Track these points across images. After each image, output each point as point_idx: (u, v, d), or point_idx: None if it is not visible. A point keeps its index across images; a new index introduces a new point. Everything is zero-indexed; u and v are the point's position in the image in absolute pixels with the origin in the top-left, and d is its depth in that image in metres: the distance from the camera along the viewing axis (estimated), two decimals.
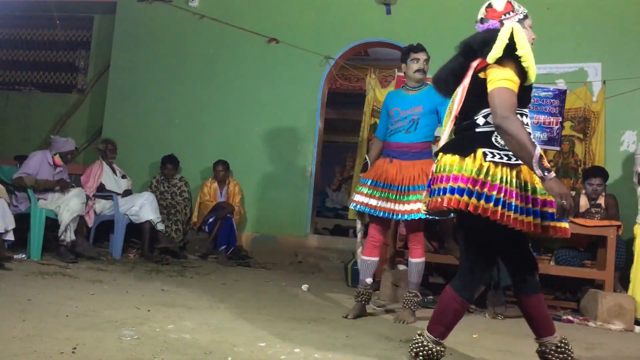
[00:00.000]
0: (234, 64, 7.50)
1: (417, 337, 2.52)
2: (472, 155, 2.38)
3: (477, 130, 2.47)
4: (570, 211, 2.24)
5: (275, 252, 6.90)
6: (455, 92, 2.61)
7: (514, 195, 2.34)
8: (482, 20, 2.67)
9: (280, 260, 6.72)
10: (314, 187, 7.22)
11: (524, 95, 2.46)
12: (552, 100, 5.54)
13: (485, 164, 2.36)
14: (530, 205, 2.39)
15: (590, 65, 6.56)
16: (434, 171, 2.52)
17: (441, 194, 2.40)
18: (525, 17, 2.60)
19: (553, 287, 5.44)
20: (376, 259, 4.04)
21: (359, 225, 4.25)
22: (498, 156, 2.38)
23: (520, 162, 2.35)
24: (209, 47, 7.60)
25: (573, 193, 5.46)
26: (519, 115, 2.39)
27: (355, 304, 4.00)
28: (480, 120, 2.47)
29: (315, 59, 7.18)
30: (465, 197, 2.33)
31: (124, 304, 3.59)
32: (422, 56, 3.99)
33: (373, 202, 3.89)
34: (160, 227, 6.18)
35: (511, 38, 2.36)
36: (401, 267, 5.23)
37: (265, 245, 7.02)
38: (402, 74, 5.74)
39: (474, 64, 2.52)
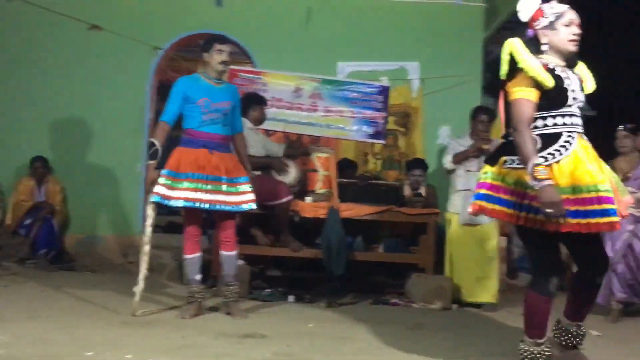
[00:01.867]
0: (51, 51, 6.91)
1: (520, 345, 2.70)
2: (497, 163, 2.63)
3: (509, 139, 2.67)
4: (558, 218, 2.40)
5: (104, 253, 6.51)
6: None
7: (527, 197, 2.50)
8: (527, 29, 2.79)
9: (109, 262, 6.35)
10: (144, 183, 6.91)
11: (556, 98, 2.60)
12: (376, 96, 5.82)
13: (504, 170, 2.59)
14: (569, 207, 2.47)
15: (409, 64, 7.05)
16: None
17: (473, 199, 2.68)
18: (558, 17, 2.66)
19: (382, 273, 5.77)
20: (200, 254, 3.98)
21: (150, 220, 3.92)
22: (516, 162, 2.57)
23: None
24: (21, 32, 6.91)
25: (398, 184, 5.82)
26: (552, 117, 2.59)
27: (191, 304, 3.88)
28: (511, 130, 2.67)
29: (142, 49, 6.85)
30: (482, 202, 2.60)
31: None
32: (226, 48, 3.93)
33: (202, 196, 3.74)
34: None
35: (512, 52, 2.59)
36: None
37: (92, 247, 6.58)
38: (234, 67, 5.73)
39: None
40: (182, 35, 7.04)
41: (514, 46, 2.63)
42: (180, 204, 3.77)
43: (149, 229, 3.92)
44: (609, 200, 2.47)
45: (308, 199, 5.17)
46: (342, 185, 5.31)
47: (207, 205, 3.76)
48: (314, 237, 5.32)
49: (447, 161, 5.16)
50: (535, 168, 2.43)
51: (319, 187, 5.24)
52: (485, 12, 7.27)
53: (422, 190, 5.58)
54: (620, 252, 4.44)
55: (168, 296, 4.65)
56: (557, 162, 2.54)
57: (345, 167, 5.88)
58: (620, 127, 4.91)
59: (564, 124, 2.63)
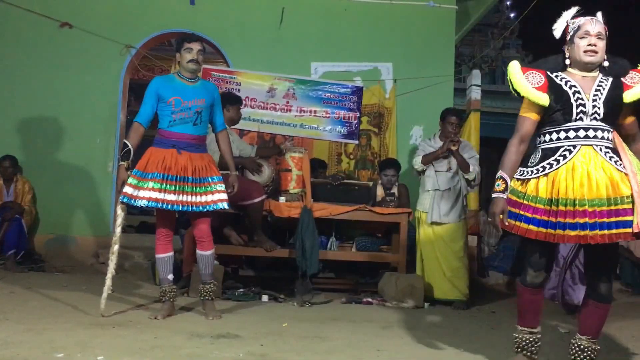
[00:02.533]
0: (21, 49, 6.79)
1: (514, 334, 2.83)
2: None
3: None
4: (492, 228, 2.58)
5: (74, 254, 6.42)
6: None
7: (526, 208, 2.68)
8: None
9: (80, 262, 6.26)
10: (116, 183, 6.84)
11: (560, 113, 2.73)
12: (350, 97, 5.86)
13: (512, 182, 2.76)
14: (542, 217, 2.66)
15: (383, 65, 7.11)
16: None
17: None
18: (576, 30, 2.78)
19: (355, 272, 5.81)
20: (172, 253, 3.96)
21: (119, 220, 3.85)
22: (518, 173, 2.77)
23: (530, 176, 2.73)
24: None
25: (370, 184, 5.87)
26: (557, 132, 2.74)
27: (163, 304, 3.86)
28: None
29: (114, 48, 6.78)
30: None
31: None
32: (195, 46, 3.89)
33: (168, 196, 3.71)
34: None
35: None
36: None
37: (62, 248, 6.48)
38: (207, 66, 5.71)
39: None
40: (155, 33, 6.99)
41: (509, 70, 2.83)
42: (143, 203, 3.73)
43: (118, 229, 3.87)
44: (582, 215, 2.59)
45: (281, 199, 5.18)
46: (315, 185, 5.33)
47: (171, 206, 3.73)
48: (288, 236, 5.34)
49: (417, 162, 5.25)
50: (496, 180, 2.72)
51: (293, 187, 5.25)
52: (457, 14, 7.37)
53: (395, 190, 5.63)
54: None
55: (140, 296, 4.61)
56: (546, 174, 2.69)
57: (316, 166, 5.90)
58: None
59: (567, 137, 2.73)
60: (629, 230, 2.56)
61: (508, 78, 2.85)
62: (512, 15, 12.80)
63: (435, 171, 5.20)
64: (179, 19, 6.97)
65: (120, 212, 3.86)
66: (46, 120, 6.75)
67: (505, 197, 2.72)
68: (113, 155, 6.81)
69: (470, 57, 12.44)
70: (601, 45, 2.77)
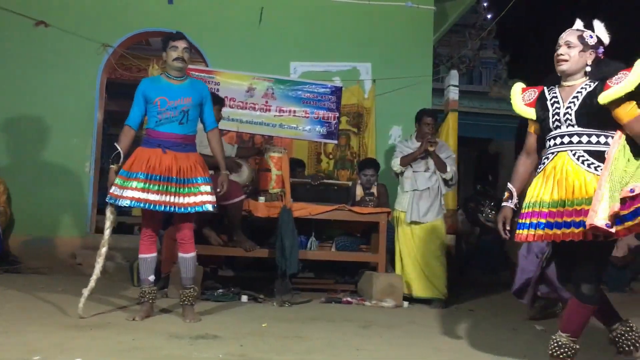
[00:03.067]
0: None
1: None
2: None
3: None
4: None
5: (51, 255, 6.33)
6: None
7: (522, 215, 2.86)
8: None
9: (57, 263, 6.18)
10: (94, 183, 6.77)
11: (545, 125, 2.92)
12: (329, 97, 5.86)
13: None
14: (523, 220, 2.83)
15: (361, 65, 7.14)
16: None
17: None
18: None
19: (334, 272, 5.82)
20: (155, 254, 3.91)
21: (108, 222, 3.86)
22: None
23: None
24: None
25: (350, 183, 5.89)
26: (548, 141, 2.91)
27: (142, 305, 3.83)
28: None
29: (91, 47, 6.70)
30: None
31: None
32: (180, 44, 3.87)
33: (151, 196, 3.67)
34: None
35: None
36: None
37: (39, 249, 6.38)
38: (189, 66, 5.66)
39: None
40: (132, 32, 6.94)
41: (511, 92, 3.17)
42: (127, 203, 3.71)
43: (107, 231, 3.85)
44: (524, 216, 2.84)
45: (261, 199, 5.18)
46: (294, 185, 5.34)
47: (154, 206, 3.69)
48: (267, 236, 5.33)
49: (395, 164, 5.32)
50: (505, 191, 3.02)
51: (272, 187, 5.25)
52: (435, 15, 7.43)
53: (374, 190, 5.66)
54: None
55: (118, 297, 4.57)
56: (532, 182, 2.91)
57: (294, 165, 5.90)
58: None
59: (550, 145, 2.90)
60: (578, 230, 2.65)
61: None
62: (489, 16, 12.93)
63: (413, 172, 5.26)
64: (156, 18, 6.92)
65: (109, 215, 3.85)
66: (22, 120, 6.65)
67: (510, 205, 2.98)
68: (90, 155, 6.75)
69: (448, 57, 12.54)
70: (572, 53, 2.86)
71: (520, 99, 3.07)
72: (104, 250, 3.84)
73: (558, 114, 2.86)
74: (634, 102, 2.75)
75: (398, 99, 6.89)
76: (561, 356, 2.77)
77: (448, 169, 5.22)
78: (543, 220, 2.75)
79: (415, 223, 5.20)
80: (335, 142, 6.15)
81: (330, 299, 5.02)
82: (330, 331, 3.67)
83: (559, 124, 2.86)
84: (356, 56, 7.12)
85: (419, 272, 5.18)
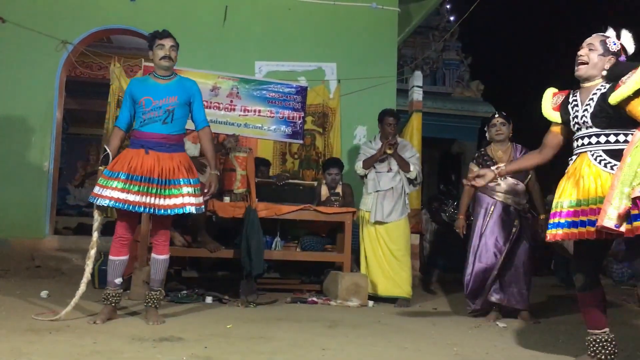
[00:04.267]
0: None
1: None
2: None
3: None
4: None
5: (8, 257, 6.15)
6: None
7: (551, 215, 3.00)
8: None
9: (14, 266, 6.00)
10: (52, 183, 6.61)
11: (568, 128, 3.08)
12: (294, 96, 5.85)
13: None
14: (558, 219, 2.95)
15: (327, 65, 7.16)
16: None
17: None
18: None
19: (300, 272, 5.81)
20: (126, 257, 3.81)
21: (96, 224, 3.80)
22: None
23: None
24: None
25: (315, 183, 5.89)
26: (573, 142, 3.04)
27: (104, 307, 3.75)
28: None
29: (50, 43, 6.55)
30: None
31: None
32: (168, 42, 3.82)
33: (131, 197, 3.60)
34: None
35: None
36: None
37: None
38: (149, 64, 5.58)
39: None
40: (93, 29, 6.80)
41: (543, 96, 3.24)
42: (105, 203, 3.62)
43: (95, 233, 3.79)
44: (552, 216, 2.98)
45: (226, 199, 5.13)
46: (260, 185, 5.31)
47: (133, 207, 3.61)
48: (232, 237, 5.29)
49: (358, 167, 5.37)
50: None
51: (237, 187, 5.22)
52: (399, 16, 7.49)
53: (339, 189, 5.67)
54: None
55: (80, 300, 4.46)
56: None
57: (259, 165, 5.87)
58: (497, 115, 4.81)
59: (574, 147, 3.03)
60: (592, 228, 2.75)
61: None
62: (452, 18, 13.12)
63: (377, 172, 5.30)
64: (118, 15, 6.81)
65: (96, 216, 3.78)
66: None
67: (492, 168, 3.33)
68: (49, 155, 6.59)
69: (412, 58, 12.67)
70: (592, 55, 2.95)
71: (550, 103, 3.20)
72: (92, 252, 3.78)
73: (577, 116, 3.00)
74: None
75: (363, 99, 6.93)
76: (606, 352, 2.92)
77: (412, 168, 5.27)
78: (563, 220, 2.90)
79: (380, 223, 5.23)
80: (301, 142, 6.14)
81: (296, 299, 5.01)
82: (296, 331, 3.66)
83: (579, 127, 2.99)
84: (321, 56, 7.13)
85: (383, 271, 5.22)
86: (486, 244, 4.59)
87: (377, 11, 7.20)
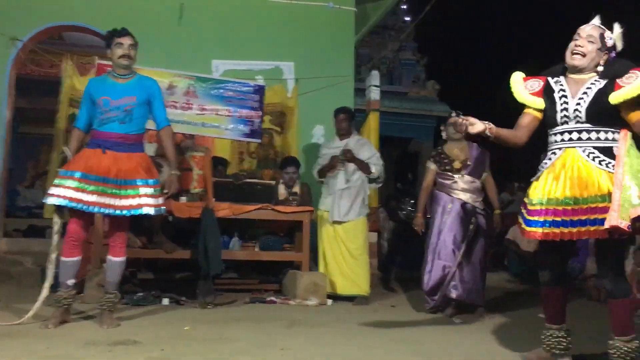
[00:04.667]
0: None
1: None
2: None
3: None
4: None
5: None
6: None
7: (532, 211, 2.88)
8: None
9: None
10: (1, 184, 6.41)
11: (549, 117, 2.94)
12: (252, 95, 5.81)
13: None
14: (532, 217, 2.86)
15: (284, 64, 7.14)
16: None
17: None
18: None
19: (258, 271, 5.78)
20: (78, 258, 3.71)
21: (56, 227, 3.73)
22: (535, 177, 2.97)
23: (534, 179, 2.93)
24: None
25: (273, 182, 5.87)
26: (552, 135, 2.93)
27: (56, 310, 3.64)
28: None
29: None
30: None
31: None
32: (126, 41, 3.75)
33: (86, 197, 3.52)
34: None
35: None
36: None
37: None
38: (103, 62, 5.47)
39: None
40: (44, 26, 6.61)
41: (511, 81, 3.07)
42: (57, 202, 3.54)
43: (55, 236, 3.70)
44: (535, 213, 2.84)
45: (182, 199, 5.07)
46: (217, 185, 5.26)
47: (87, 207, 3.53)
48: (189, 237, 5.23)
49: (315, 175, 5.47)
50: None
51: (194, 187, 5.16)
52: (356, 16, 7.53)
53: (297, 189, 5.67)
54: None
55: (30, 303, 4.33)
56: (537, 178, 2.92)
57: (215, 164, 5.82)
58: (453, 114, 4.71)
59: (555, 141, 2.91)
60: (598, 227, 2.68)
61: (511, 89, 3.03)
62: (407, 18, 13.27)
63: (332, 177, 5.34)
64: (71, 12, 6.63)
65: (56, 220, 3.69)
66: None
67: (487, 125, 2.92)
68: None
69: (369, 58, 12.76)
70: (590, 48, 2.84)
71: (524, 88, 3.02)
72: (53, 256, 3.69)
73: (567, 109, 2.85)
74: None
75: (321, 98, 6.93)
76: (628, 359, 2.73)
77: (373, 169, 5.30)
78: (558, 219, 2.76)
79: (338, 222, 5.25)
80: (259, 141, 6.11)
81: (255, 299, 4.98)
82: (255, 332, 3.65)
83: (567, 120, 2.85)
84: (279, 55, 7.11)
85: (342, 270, 5.24)
86: (445, 241, 4.65)
87: (334, 11, 7.22)
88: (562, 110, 2.87)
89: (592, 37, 2.86)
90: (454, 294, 4.60)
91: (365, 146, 5.46)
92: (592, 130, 2.82)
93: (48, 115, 8.08)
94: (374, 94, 6.85)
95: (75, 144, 3.79)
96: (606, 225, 2.62)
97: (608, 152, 2.77)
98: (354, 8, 7.44)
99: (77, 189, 3.54)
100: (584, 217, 2.71)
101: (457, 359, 3.16)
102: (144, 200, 3.65)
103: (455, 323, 4.36)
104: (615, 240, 2.71)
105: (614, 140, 2.79)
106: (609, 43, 2.88)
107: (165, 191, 3.84)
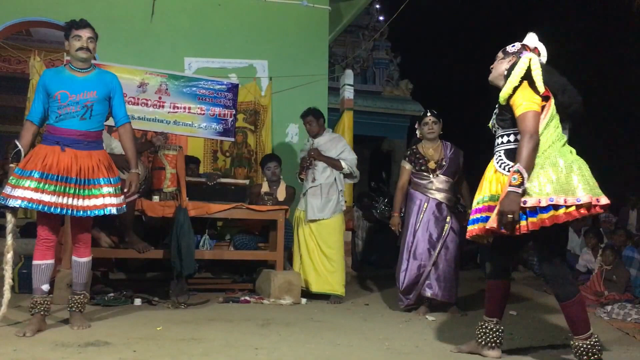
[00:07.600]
0: None
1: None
2: None
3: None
4: (506, 226, 2.76)
5: None
6: None
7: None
8: None
9: None
10: None
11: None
12: (225, 94, 5.76)
13: None
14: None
15: (258, 62, 7.10)
16: None
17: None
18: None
19: (232, 270, 5.75)
20: (51, 261, 3.59)
21: (10, 226, 3.58)
22: None
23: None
24: None
25: (247, 182, 5.83)
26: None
27: (32, 317, 3.48)
28: None
29: None
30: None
31: None
32: (85, 33, 3.60)
33: (46, 197, 3.38)
34: None
35: None
36: None
37: None
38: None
39: None
40: (11, 21, 6.46)
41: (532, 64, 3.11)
42: (17, 204, 3.39)
43: (9, 236, 3.56)
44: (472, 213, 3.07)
45: (155, 198, 5.00)
46: (190, 184, 5.21)
47: (48, 208, 3.40)
48: (162, 237, 5.17)
49: (297, 177, 5.50)
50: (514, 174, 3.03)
51: (167, 186, 5.09)
52: (330, 15, 7.53)
53: (282, 186, 5.64)
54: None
55: None
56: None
57: (188, 162, 5.76)
58: (429, 113, 4.88)
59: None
60: (475, 226, 3.00)
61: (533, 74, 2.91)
62: (381, 18, 13.33)
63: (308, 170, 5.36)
64: (39, 7, 6.50)
65: (9, 218, 3.55)
66: None
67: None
68: None
69: (343, 57, 12.79)
70: (496, 63, 3.17)
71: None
72: (9, 256, 3.55)
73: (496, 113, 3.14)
74: (528, 99, 2.86)
75: (295, 97, 6.92)
76: (590, 356, 2.81)
77: (343, 164, 5.31)
78: (473, 217, 3.03)
79: (313, 221, 5.25)
80: (232, 139, 6.07)
81: (228, 298, 4.95)
82: (228, 331, 3.62)
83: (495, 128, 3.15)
84: (253, 53, 7.07)
85: (316, 269, 5.23)
86: (420, 240, 4.69)
87: (308, 9, 7.21)
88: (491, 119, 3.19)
89: (496, 57, 3.18)
90: (428, 293, 4.64)
91: (334, 141, 5.45)
92: (501, 135, 3.08)
93: (15, 112, 7.94)
94: (348, 92, 6.86)
95: (29, 138, 3.59)
96: (488, 226, 2.89)
97: (511, 154, 2.95)
98: (328, 7, 7.44)
99: (36, 190, 3.39)
100: (478, 215, 3.00)
101: (428, 356, 3.19)
102: (107, 200, 3.55)
103: (427, 320, 4.39)
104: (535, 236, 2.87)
105: (516, 141, 2.95)
106: (511, 49, 3.15)
107: (125, 190, 3.74)
